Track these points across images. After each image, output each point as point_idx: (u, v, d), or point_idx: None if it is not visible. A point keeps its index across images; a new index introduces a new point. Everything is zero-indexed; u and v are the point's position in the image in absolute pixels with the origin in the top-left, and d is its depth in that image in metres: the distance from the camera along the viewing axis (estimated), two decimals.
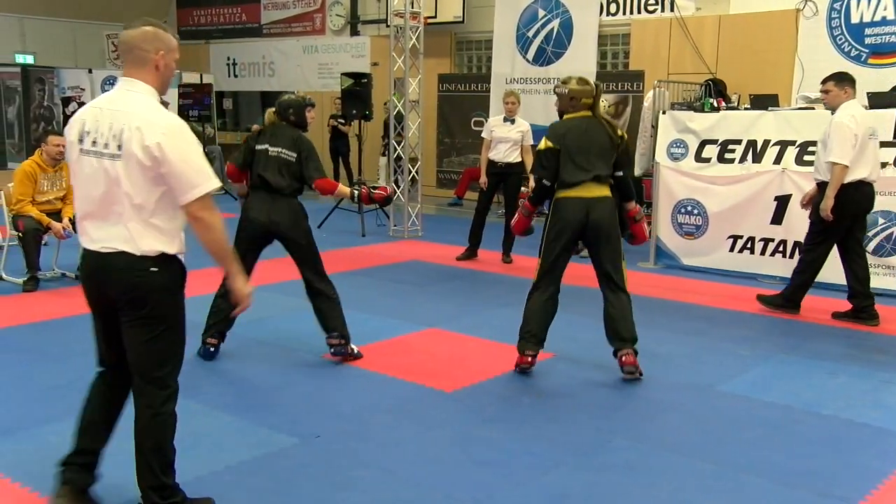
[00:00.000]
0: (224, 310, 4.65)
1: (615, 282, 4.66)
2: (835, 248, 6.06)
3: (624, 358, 4.64)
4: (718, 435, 3.93)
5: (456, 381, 4.60)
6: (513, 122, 8.07)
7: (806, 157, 7.14)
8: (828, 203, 5.73)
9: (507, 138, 8.04)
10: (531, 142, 8.01)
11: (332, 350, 4.89)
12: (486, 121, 12.60)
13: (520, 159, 8.07)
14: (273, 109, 4.96)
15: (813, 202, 6.06)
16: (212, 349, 4.89)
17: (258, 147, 4.83)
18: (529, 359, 4.69)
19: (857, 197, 5.81)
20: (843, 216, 5.80)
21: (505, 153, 8.07)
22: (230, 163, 5.02)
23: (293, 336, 5.43)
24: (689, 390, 4.55)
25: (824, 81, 5.97)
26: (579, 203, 4.55)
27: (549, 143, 4.59)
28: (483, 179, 8.17)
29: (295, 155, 4.77)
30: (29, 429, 3.82)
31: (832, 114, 5.92)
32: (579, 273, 7.76)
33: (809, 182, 7.02)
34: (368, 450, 3.69)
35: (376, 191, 5.28)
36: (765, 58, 9.83)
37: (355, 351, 4.93)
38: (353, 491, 3.30)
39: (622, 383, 4.65)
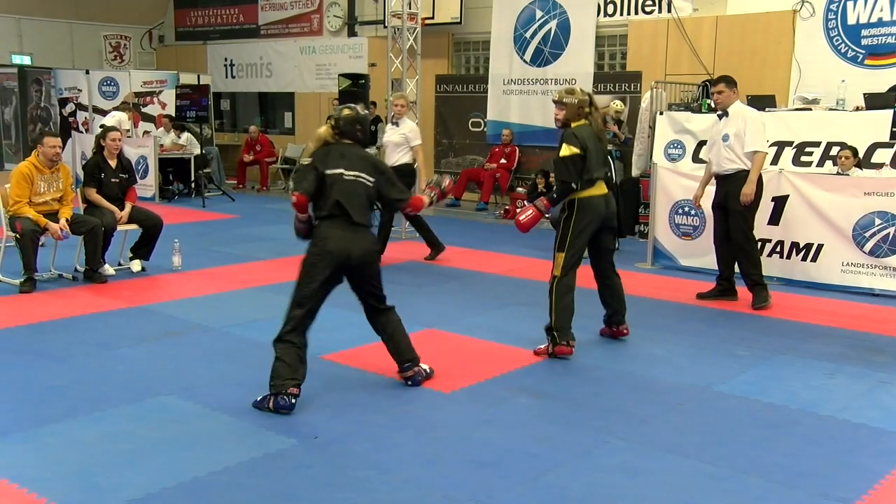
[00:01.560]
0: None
1: (613, 263, 5.38)
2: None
3: (623, 328, 5.42)
4: (717, 435, 3.94)
5: (454, 382, 4.60)
6: (397, 124, 7.98)
7: (803, 158, 7.17)
8: (751, 188, 6.21)
9: (390, 141, 7.98)
10: (418, 142, 8.01)
11: (411, 381, 4.53)
12: (484, 122, 12.73)
13: (407, 160, 7.92)
14: (330, 125, 4.42)
15: (724, 193, 6.39)
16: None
17: (329, 172, 4.26)
18: (573, 348, 5.07)
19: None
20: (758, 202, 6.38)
21: (389, 156, 7.94)
22: (300, 193, 4.28)
23: None
24: (688, 391, 4.56)
25: (715, 83, 6.54)
26: (601, 200, 5.12)
27: (575, 149, 4.97)
28: None
29: (374, 179, 4.36)
30: (26, 430, 3.82)
31: (723, 113, 6.39)
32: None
33: (807, 182, 7.06)
34: (367, 450, 3.69)
35: (441, 187, 4.90)
36: (762, 59, 9.86)
37: (427, 370, 4.63)
38: (352, 492, 3.30)
39: (620, 385, 4.66)
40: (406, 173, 7.69)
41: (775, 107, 7.99)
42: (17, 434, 3.77)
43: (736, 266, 6.55)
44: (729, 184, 6.35)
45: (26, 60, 16.94)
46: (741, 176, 6.26)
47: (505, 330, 5.67)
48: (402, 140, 7.92)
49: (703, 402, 4.41)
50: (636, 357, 5.16)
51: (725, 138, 6.31)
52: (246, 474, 3.42)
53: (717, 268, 6.69)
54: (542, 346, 5.11)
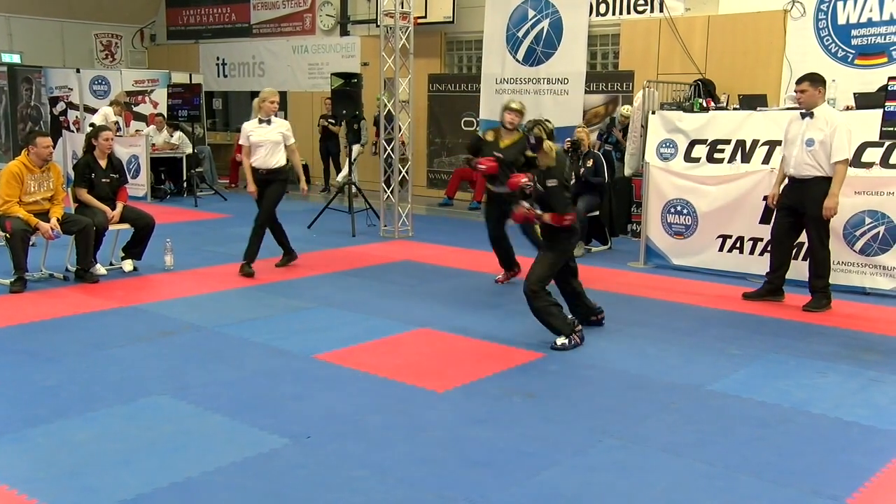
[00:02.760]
0: None
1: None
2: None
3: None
4: (710, 434, 3.95)
5: (447, 382, 4.60)
6: (269, 122, 7.33)
7: None
8: (835, 201, 6.11)
9: (269, 140, 7.28)
10: (293, 140, 7.52)
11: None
12: (477, 121, 12.73)
13: (283, 163, 7.37)
14: (544, 140, 5.27)
15: (800, 198, 6.28)
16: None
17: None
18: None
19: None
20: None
21: (265, 158, 7.28)
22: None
23: (284, 336, 5.42)
24: (681, 390, 4.57)
25: (799, 82, 6.34)
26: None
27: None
28: (252, 189, 7.30)
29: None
30: (18, 431, 3.80)
31: (806, 113, 6.24)
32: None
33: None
34: (360, 450, 3.68)
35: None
36: (753, 58, 9.88)
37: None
38: (346, 491, 3.29)
39: (613, 384, 4.66)
40: (284, 177, 7.39)
41: (767, 106, 8.01)
42: (9, 435, 3.75)
43: (784, 268, 6.55)
44: (808, 190, 6.20)
45: (16, 59, 16.85)
46: (820, 182, 6.13)
47: (499, 329, 5.67)
48: (281, 138, 7.33)
49: (697, 400, 4.42)
50: (629, 356, 5.17)
51: (810, 143, 6.15)
52: (239, 474, 3.41)
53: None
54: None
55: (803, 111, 6.31)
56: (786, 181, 6.53)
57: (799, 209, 6.36)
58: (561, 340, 5.20)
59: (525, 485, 3.38)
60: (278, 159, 7.33)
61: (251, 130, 7.33)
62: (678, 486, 3.41)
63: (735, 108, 8.17)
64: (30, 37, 17.00)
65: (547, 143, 5.32)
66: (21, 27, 16.96)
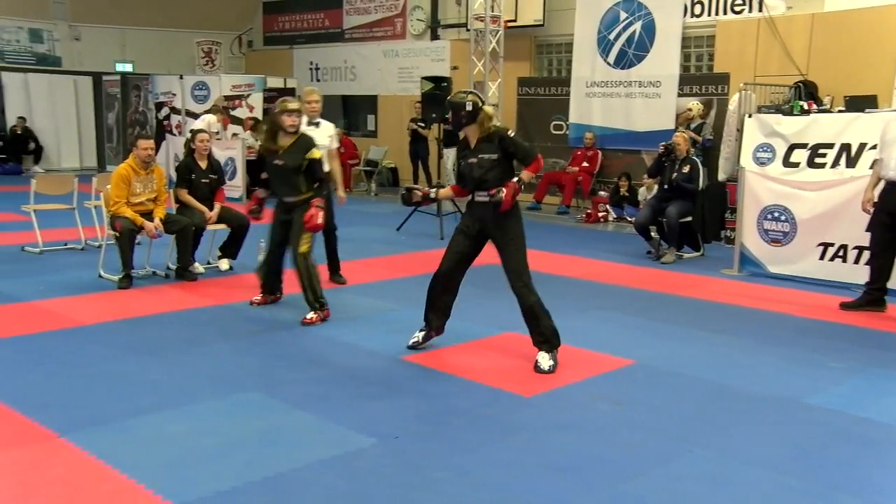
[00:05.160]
0: None
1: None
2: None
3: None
4: (807, 449, 3.79)
5: (534, 386, 4.58)
6: (317, 125, 6.90)
7: None
8: None
9: (320, 145, 6.58)
10: (337, 145, 7.20)
11: None
12: (566, 124, 12.61)
13: (326, 168, 6.61)
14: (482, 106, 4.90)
15: None
16: None
17: None
18: None
19: None
20: None
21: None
22: None
23: (372, 337, 5.51)
24: (775, 402, 4.41)
25: None
26: None
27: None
28: None
29: None
30: (123, 420, 3.99)
31: None
32: (656, 279, 7.62)
33: None
34: (444, 452, 3.71)
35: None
36: (861, 57, 9.44)
37: None
38: (430, 493, 3.32)
39: (703, 393, 4.54)
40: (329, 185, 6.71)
41: (876, 107, 7.63)
42: (114, 424, 3.94)
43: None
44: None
45: (128, 68, 17.81)
46: None
47: (585, 335, 5.60)
48: (329, 143, 6.94)
49: (791, 414, 4.26)
50: (718, 365, 5.02)
51: None
52: (326, 472, 3.49)
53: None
54: None
55: None
56: (881, 185, 6.24)
57: None
58: (547, 363, 4.84)
59: (609, 493, 3.33)
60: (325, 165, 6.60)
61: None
62: (772, 502, 3.29)
63: (840, 111, 7.82)
64: (140, 46, 17.95)
65: (487, 108, 4.94)
66: (133, 38, 17.93)
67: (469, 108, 4.83)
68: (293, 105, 5.89)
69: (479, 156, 4.87)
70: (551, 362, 4.84)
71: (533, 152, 4.94)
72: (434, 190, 5.40)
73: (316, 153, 5.91)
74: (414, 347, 5.20)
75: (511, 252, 4.91)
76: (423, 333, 5.24)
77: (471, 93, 4.99)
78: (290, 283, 6.16)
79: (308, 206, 5.80)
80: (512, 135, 4.94)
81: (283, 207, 6.03)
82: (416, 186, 5.47)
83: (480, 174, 4.86)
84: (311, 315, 5.85)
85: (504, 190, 4.77)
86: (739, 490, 3.38)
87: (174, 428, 3.91)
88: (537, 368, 4.83)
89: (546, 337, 4.90)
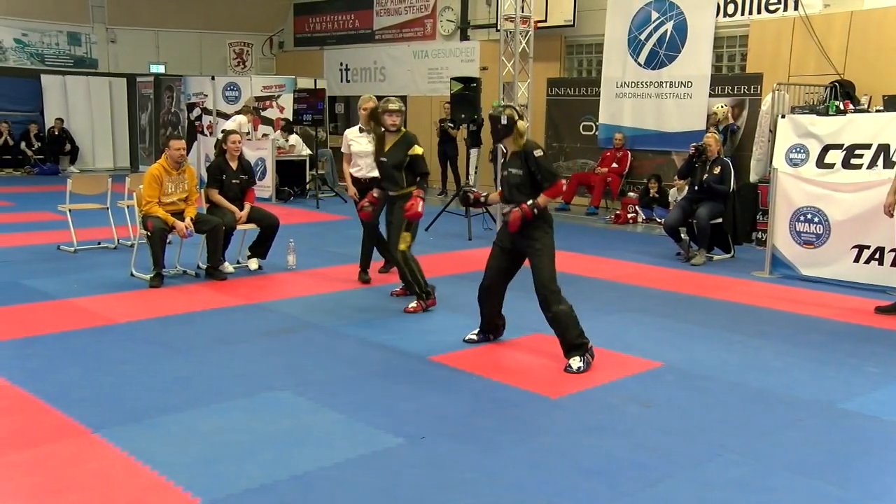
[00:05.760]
0: None
1: None
2: None
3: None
4: (843, 456, 3.73)
5: (561, 388, 4.56)
6: (369, 131, 6.77)
7: None
8: None
9: (366, 152, 6.96)
10: None
11: None
12: (595, 124, 12.54)
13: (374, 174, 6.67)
14: (517, 120, 5.01)
15: None
16: None
17: None
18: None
19: None
20: None
21: (369, 168, 6.89)
22: None
23: (401, 337, 5.52)
24: (809, 406, 4.34)
25: None
26: None
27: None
28: (352, 191, 7.16)
29: None
30: (154, 417, 4.04)
31: None
32: (685, 281, 7.54)
33: None
34: (473, 452, 3.70)
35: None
36: None
37: None
38: (456, 493, 3.31)
39: (734, 397, 4.48)
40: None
41: None
42: (146, 420, 3.99)
43: None
44: None
45: (161, 69, 18.06)
46: None
47: (614, 336, 5.57)
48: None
49: (826, 419, 4.19)
50: (751, 368, 4.96)
51: None
52: (354, 471, 3.50)
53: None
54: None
55: None
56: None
57: None
58: (577, 363, 4.85)
59: (638, 496, 3.30)
60: (374, 171, 6.67)
61: (352, 140, 7.17)
62: None
63: (878, 110, 7.68)
64: (173, 48, 18.20)
65: (521, 123, 5.00)
66: (166, 39, 18.18)
67: (504, 121, 4.96)
68: (394, 105, 6.20)
69: (510, 169, 5.04)
70: (581, 364, 4.82)
71: (554, 177, 4.99)
72: (485, 195, 5.53)
73: (418, 149, 6.17)
74: (468, 342, 5.39)
75: (537, 262, 5.00)
76: (477, 335, 5.44)
77: (508, 106, 5.07)
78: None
79: (409, 197, 6.09)
80: (538, 154, 4.98)
81: (388, 200, 6.42)
82: (472, 188, 5.66)
83: (508, 189, 5.04)
84: (413, 304, 6.21)
85: (514, 211, 4.92)
86: (770, 496, 3.33)
87: (204, 425, 3.95)
88: (568, 368, 4.83)
89: (571, 346, 4.92)
